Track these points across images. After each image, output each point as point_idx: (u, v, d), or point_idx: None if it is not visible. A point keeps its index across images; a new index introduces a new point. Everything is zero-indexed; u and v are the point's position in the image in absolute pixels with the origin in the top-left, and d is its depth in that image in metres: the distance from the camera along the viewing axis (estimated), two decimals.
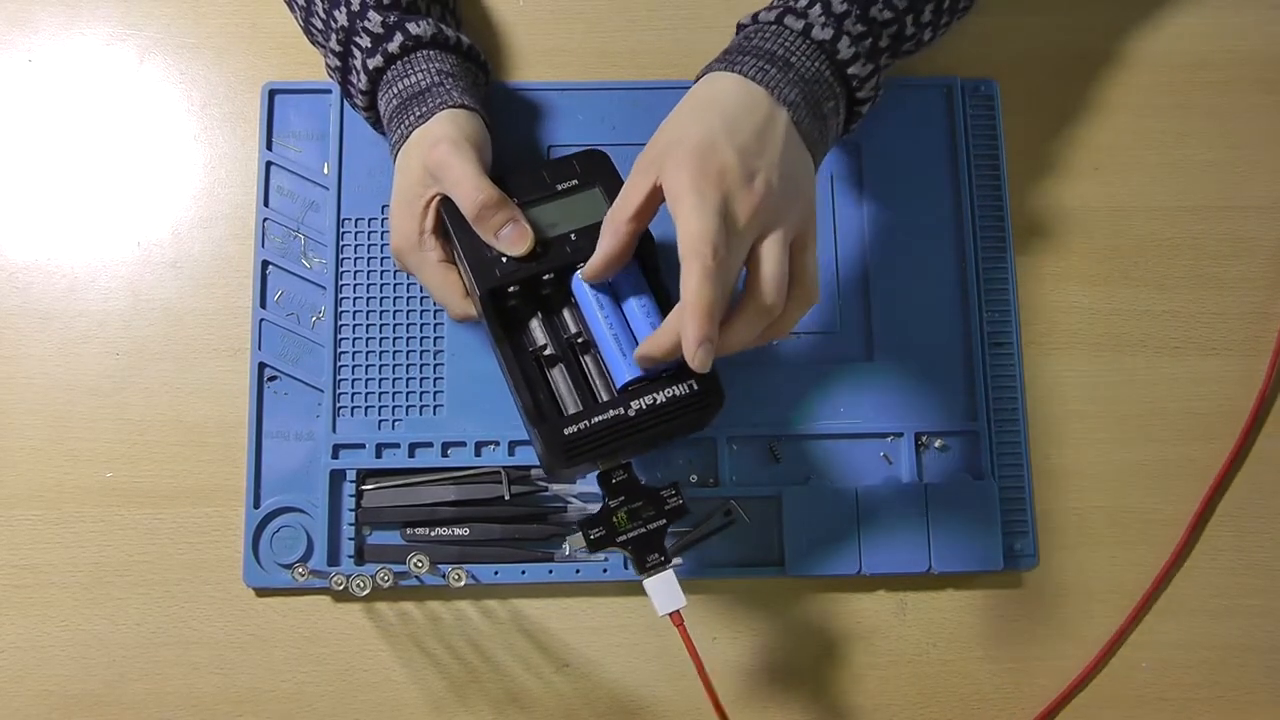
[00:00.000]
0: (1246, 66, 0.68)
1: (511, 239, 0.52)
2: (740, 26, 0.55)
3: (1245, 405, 0.64)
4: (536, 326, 0.54)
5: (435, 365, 0.62)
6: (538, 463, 0.61)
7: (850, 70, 0.52)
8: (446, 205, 0.54)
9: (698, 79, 0.53)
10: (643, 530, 0.52)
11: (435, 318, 0.63)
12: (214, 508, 0.61)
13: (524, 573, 0.60)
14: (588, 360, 0.54)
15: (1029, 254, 0.65)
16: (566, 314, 0.55)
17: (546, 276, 0.53)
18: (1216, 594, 0.62)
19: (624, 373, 0.52)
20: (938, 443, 0.62)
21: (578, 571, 0.60)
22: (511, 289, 0.53)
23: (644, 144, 0.63)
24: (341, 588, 0.55)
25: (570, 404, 0.53)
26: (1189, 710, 0.61)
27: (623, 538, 0.52)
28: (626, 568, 0.60)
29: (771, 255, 0.48)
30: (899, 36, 0.54)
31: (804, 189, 0.50)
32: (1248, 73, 0.68)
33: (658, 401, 0.51)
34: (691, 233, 0.45)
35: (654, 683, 0.60)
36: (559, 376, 0.53)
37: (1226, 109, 0.68)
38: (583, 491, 0.61)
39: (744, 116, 0.49)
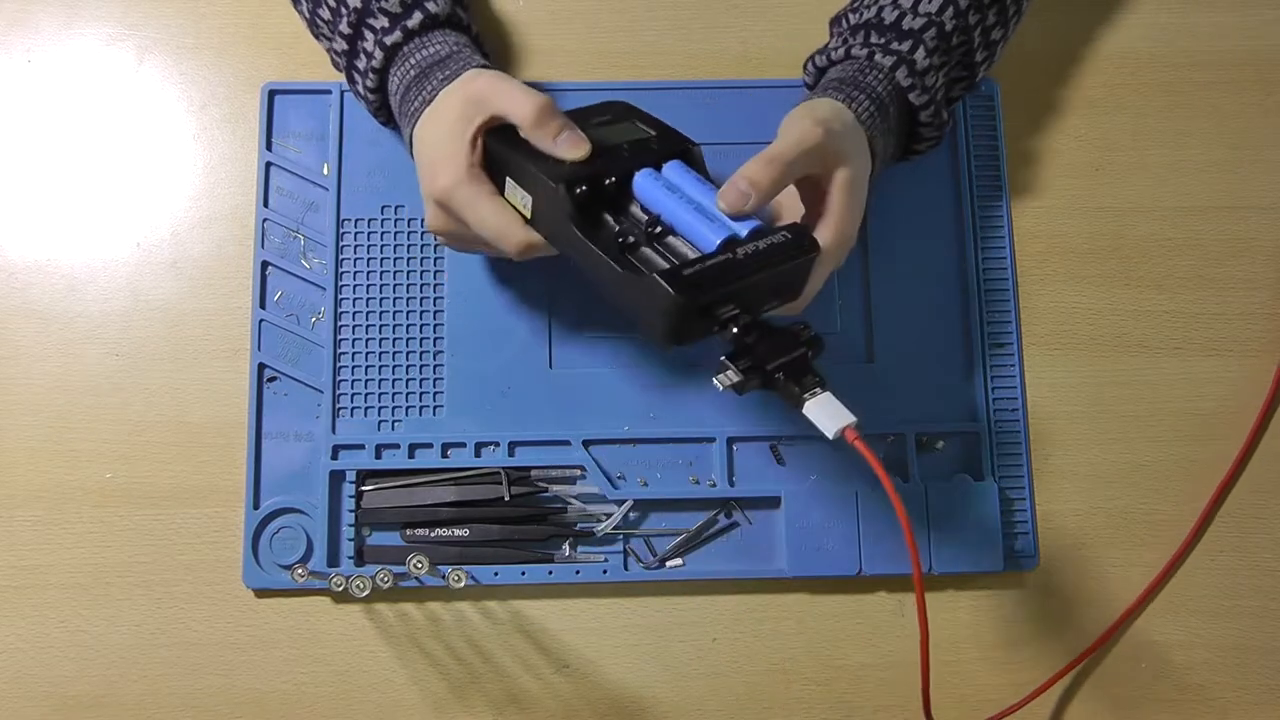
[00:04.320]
0: (1246, 66, 0.68)
1: (571, 142, 0.52)
2: (849, 55, 0.59)
3: (1246, 405, 0.64)
4: (610, 219, 0.53)
5: (435, 365, 0.62)
6: (538, 461, 0.61)
7: (921, 129, 0.60)
8: (493, 136, 0.54)
9: (812, 95, 0.59)
10: (791, 356, 0.49)
11: (435, 318, 0.63)
12: (214, 508, 0.61)
13: (524, 574, 0.60)
14: (667, 244, 0.52)
15: (1029, 254, 0.65)
16: (634, 210, 0.53)
17: (609, 181, 0.52)
18: (1216, 594, 0.62)
19: (713, 239, 0.50)
20: (938, 443, 0.62)
21: (577, 572, 0.60)
22: (580, 190, 0.51)
23: None
24: (341, 589, 0.55)
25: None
26: (1188, 710, 0.61)
27: (774, 364, 0.48)
28: (627, 568, 0.60)
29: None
30: (968, 64, 0.60)
31: None
32: (1248, 73, 0.68)
33: (760, 248, 0.49)
34: (844, 241, 0.54)
35: (654, 683, 0.60)
36: (649, 253, 0.51)
37: (1226, 109, 0.68)
38: (583, 492, 0.61)
39: (865, 169, 0.56)
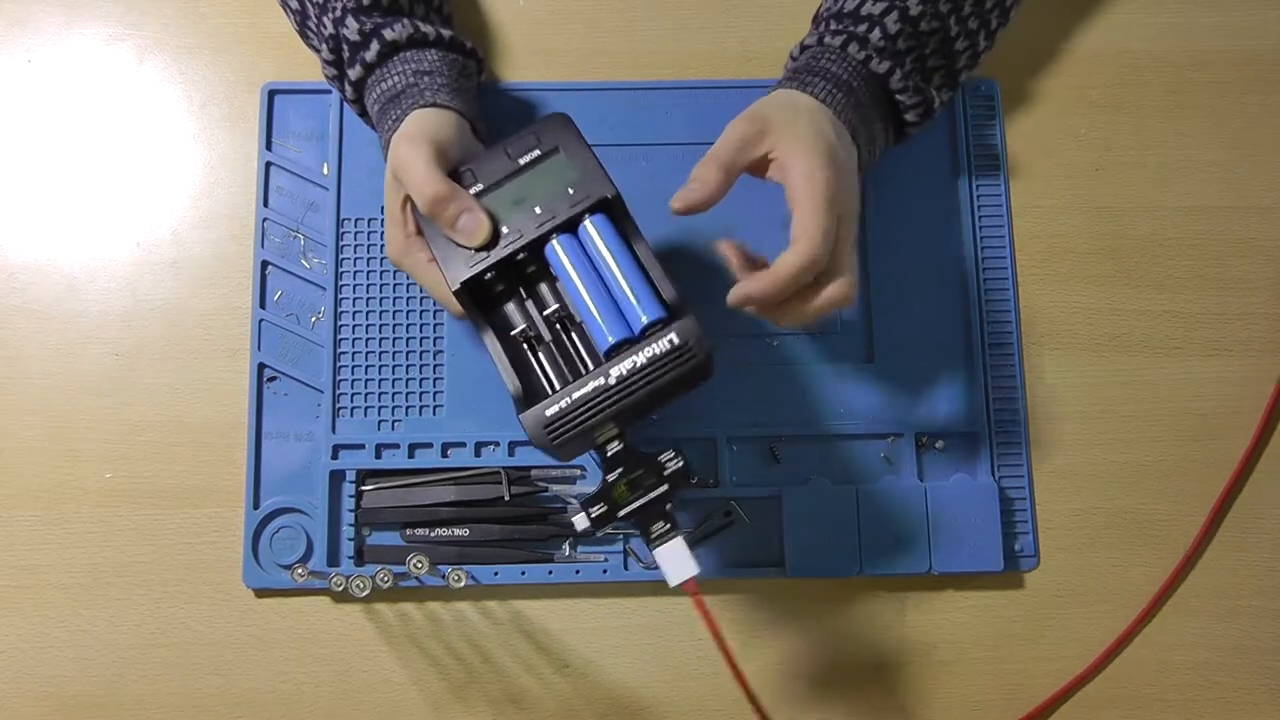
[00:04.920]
0: (1246, 66, 0.68)
1: (468, 230, 0.51)
2: (804, 47, 0.59)
3: (1245, 406, 0.64)
4: (515, 310, 0.53)
5: (435, 365, 0.62)
6: (538, 461, 0.61)
7: (899, 97, 0.58)
8: (413, 206, 0.53)
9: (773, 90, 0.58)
10: (645, 499, 0.50)
11: (435, 318, 0.63)
12: (214, 508, 0.61)
13: (524, 573, 0.60)
14: (574, 335, 0.52)
15: (1029, 254, 0.65)
16: (546, 289, 0.53)
17: (520, 256, 0.51)
18: (1217, 595, 0.62)
19: (606, 338, 0.50)
20: (938, 443, 0.62)
21: (577, 572, 0.60)
22: (489, 275, 0.51)
23: (643, 144, 0.64)
24: (341, 588, 0.55)
25: (557, 384, 0.51)
26: (1189, 710, 0.61)
27: (625, 511, 0.50)
28: (627, 568, 0.60)
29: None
30: (946, 53, 0.59)
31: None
32: (1248, 73, 0.68)
33: (638, 364, 0.48)
34: (819, 228, 0.51)
35: (654, 683, 0.60)
36: (544, 357, 0.52)
37: (1226, 109, 0.68)
38: (582, 492, 0.61)
39: (827, 146, 0.53)
